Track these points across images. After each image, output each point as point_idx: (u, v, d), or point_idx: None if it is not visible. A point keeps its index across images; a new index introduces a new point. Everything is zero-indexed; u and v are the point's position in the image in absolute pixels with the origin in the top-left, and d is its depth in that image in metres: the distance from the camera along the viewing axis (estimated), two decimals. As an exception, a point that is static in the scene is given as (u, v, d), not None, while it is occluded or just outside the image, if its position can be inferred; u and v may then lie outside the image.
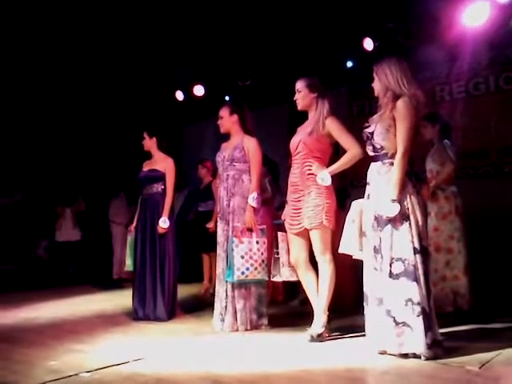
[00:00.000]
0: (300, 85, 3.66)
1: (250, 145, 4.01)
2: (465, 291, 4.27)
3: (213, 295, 4.69)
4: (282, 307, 4.97)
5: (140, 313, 4.44)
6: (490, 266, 5.11)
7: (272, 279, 3.85)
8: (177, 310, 4.61)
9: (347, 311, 4.29)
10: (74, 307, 5.20)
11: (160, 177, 4.61)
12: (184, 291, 5.45)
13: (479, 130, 5.89)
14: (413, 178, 2.99)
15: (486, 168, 5.85)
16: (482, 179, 5.84)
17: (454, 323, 3.70)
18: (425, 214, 3.04)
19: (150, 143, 4.75)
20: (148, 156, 4.80)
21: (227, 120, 4.13)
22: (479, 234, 4.80)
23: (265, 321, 3.96)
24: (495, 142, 5.78)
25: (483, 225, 5.09)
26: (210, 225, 5.70)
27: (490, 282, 4.91)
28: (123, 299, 5.34)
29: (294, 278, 3.73)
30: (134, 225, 4.69)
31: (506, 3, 5.12)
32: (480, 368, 2.68)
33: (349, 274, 4.38)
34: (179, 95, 7.95)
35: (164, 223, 4.44)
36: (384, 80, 3.06)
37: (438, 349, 2.85)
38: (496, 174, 5.77)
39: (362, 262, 3.18)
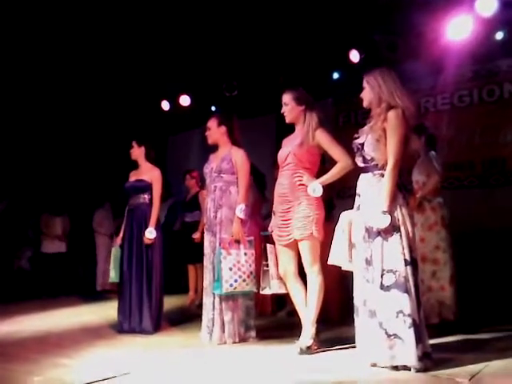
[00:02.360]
0: (287, 98, 3.65)
1: (238, 156, 4.00)
2: (450, 302, 4.28)
3: (198, 307, 4.66)
4: (270, 319, 4.95)
5: (125, 325, 4.37)
6: (476, 276, 5.16)
7: (261, 292, 3.81)
8: (162, 322, 4.55)
9: (334, 323, 4.29)
10: (58, 320, 5.11)
11: (146, 187, 4.57)
12: (169, 303, 5.38)
13: (464, 141, 5.97)
14: (403, 189, 3.00)
15: (471, 179, 5.93)
16: (466, 190, 5.91)
17: (440, 334, 3.70)
18: (413, 225, 3.05)
19: (138, 152, 4.70)
20: (134, 166, 4.76)
21: (215, 131, 4.11)
22: (464, 245, 4.84)
23: (252, 333, 3.94)
24: (480, 153, 5.87)
25: (468, 235, 5.14)
26: (196, 235, 5.67)
27: (475, 293, 4.95)
28: (108, 311, 5.26)
29: (283, 291, 3.70)
30: (120, 236, 4.64)
31: (488, 17, 5.22)
32: (470, 380, 2.67)
33: (335, 285, 4.38)
34: (165, 105, 7.92)
35: (150, 234, 4.40)
36: (377, 90, 3.04)
37: (428, 361, 2.85)
38: (481, 185, 5.85)
39: (348, 273, 3.19)
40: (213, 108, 7.69)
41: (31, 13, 5.67)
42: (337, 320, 4.40)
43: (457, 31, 5.38)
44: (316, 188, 3.41)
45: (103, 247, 8.00)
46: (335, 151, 3.48)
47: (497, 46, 5.53)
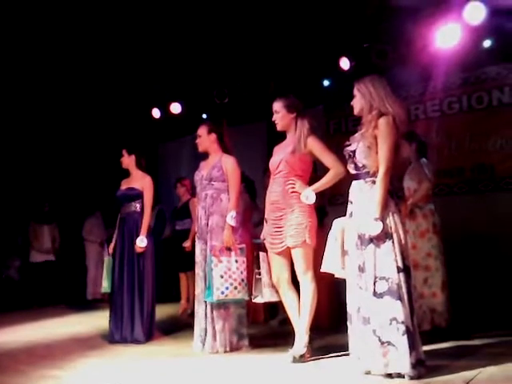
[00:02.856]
0: (278, 106, 3.65)
1: (229, 164, 3.99)
2: (442, 309, 4.29)
3: (190, 315, 4.63)
4: (262, 327, 4.93)
5: (117, 335, 4.33)
6: (467, 282, 5.17)
7: (253, 300, 3.80)
8: (154, 331, 4.51)
9: (325, 330, 4.27)
10: (48, 330, 5.05)
11: (138, 195, 4.55)
12: (161, 311, 5.35)
13: (453, 147, 6.02)
14: (395, 196, 3.00)
15: (461, 185, 5.97)
16: (456, 196, 5.94)
17: (432, 341, 3.70)
18: (405, 232, 3.05)
19: (128, 160, 4.69)
20: (126, 174, 4.73)
21: (205, 139, 4.10)
22: (455, 251, 4.85)
23: (245, 342, 3.91)
24: (469, 159, 5.92)
25: (458, 242, 5.15)
26: (187, 244, 5.63)
27: (466, 299, 4.96)
28: (99, 321, 5.22)
29: (275, 299, 3.70)
30: (112, 245, 4.60)
31: (476, 25, 5.27)
32: (464, 387, 2.68)
33: (326, 292, 4.36)
34: (156, 112, 7.90)
35: (141, 242, 4.37)
36: (368, 97, 3.04)
37: (422, 368, 2.83)
38: (470, 191, 5.90)
39: (340, 280, 3.18)
40: (203, 115, 7.68)
41: (24, 23, 5.64)
42: (327, 327, 4.39)
43: (445, 39, 5.42)
44: (309, 195, 3.41)
45: (93, 255, 7.95)
46: (327, 159, 3.49)
47: (485, 53, 5.59)
